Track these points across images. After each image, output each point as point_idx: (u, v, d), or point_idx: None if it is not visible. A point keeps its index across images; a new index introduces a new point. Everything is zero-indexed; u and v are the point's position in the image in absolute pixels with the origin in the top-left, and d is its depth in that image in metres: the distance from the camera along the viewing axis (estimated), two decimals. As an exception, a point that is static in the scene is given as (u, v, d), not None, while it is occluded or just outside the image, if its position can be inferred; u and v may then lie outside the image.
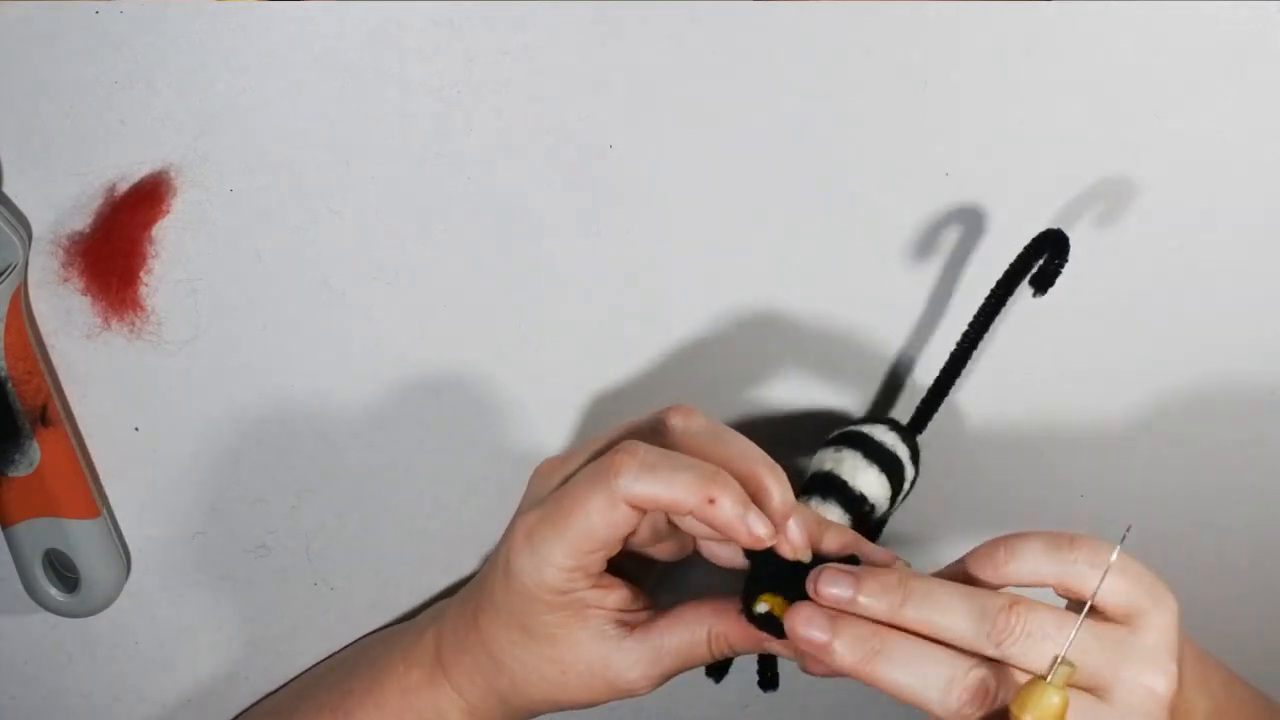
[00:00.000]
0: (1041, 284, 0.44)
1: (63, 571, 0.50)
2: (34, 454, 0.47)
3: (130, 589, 0.52)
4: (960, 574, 0.40)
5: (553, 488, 0.42)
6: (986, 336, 0.51)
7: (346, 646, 0.54)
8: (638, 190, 0.48)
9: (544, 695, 0.43)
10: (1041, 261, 0.44)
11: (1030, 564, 0.38)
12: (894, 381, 0.52)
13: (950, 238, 0.50)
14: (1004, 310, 0.51)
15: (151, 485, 0.50)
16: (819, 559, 0.41)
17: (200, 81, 0.44)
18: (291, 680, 0.55)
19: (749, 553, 0.41)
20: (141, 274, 0.47)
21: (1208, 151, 0.49)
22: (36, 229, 0.46)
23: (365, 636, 0.54)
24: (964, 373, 0.48)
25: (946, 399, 0.49)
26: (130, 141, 0.45)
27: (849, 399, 0.52)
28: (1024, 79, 0.47)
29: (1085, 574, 0.37)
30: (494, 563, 0.43)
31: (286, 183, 0.46)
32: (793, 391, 0.52)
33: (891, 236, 0.49)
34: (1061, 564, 0.38)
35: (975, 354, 0.51)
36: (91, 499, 0.49)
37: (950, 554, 0.55)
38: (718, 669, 0.50)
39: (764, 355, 0.51)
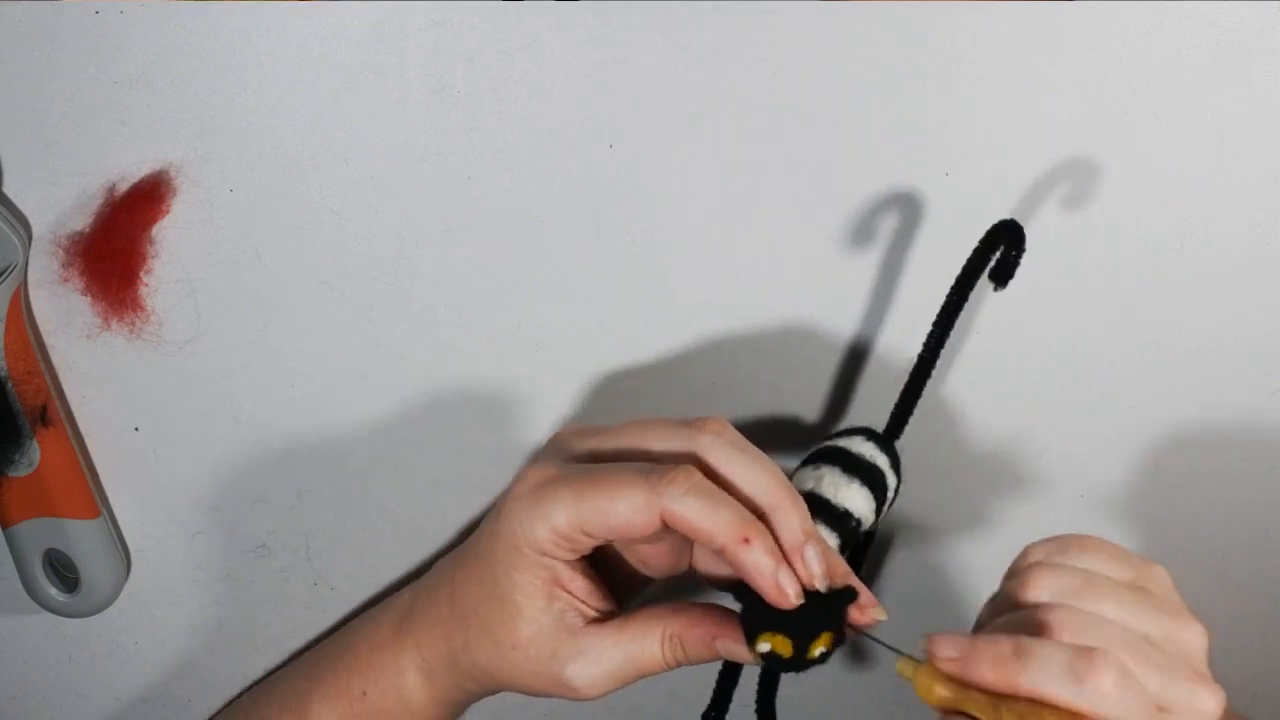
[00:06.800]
0: (1001, 277, 0.43)
1: (63, 571, 0.50)
2: (34, 454, 0.47)
3: (130, 589, 0.52)
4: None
5: (576, 452, 0.42)
6: (986, 336, 0.51)
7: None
8: (638, 190, 0.48)
9: (489, 662, 0.43)
10: (999, 254, 0.43)
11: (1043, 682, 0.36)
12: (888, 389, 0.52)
13: (953, 237, 0.49)
14: (1009, 307, 0.51)
15: (151, 485, 0.50)
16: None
17: (200, 81, 0.44)
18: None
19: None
20: (141, 274, 0.47)
21: (1209, 151, 0.49)
22: (36, 229, 0.46)
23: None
24: (962, 375, 0.47)
25: (942, 400, 0.48)
26: (130, 141, 0.45)
27: (848, 405, 0.52)
28: (1024, 79, 0.47)
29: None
30: (488, 516, 0.43)
31: (286, 183, 0.46)
32: (792, 391, 0.52)
33: (891, 235, 0.49)
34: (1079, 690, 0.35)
35: (973, 353, 0.51)
36: (91, 499, 0.49)
37: (948, 556, 0.56)
38: (714, 710, 0.48)
39: (765, 356, 0.51)
